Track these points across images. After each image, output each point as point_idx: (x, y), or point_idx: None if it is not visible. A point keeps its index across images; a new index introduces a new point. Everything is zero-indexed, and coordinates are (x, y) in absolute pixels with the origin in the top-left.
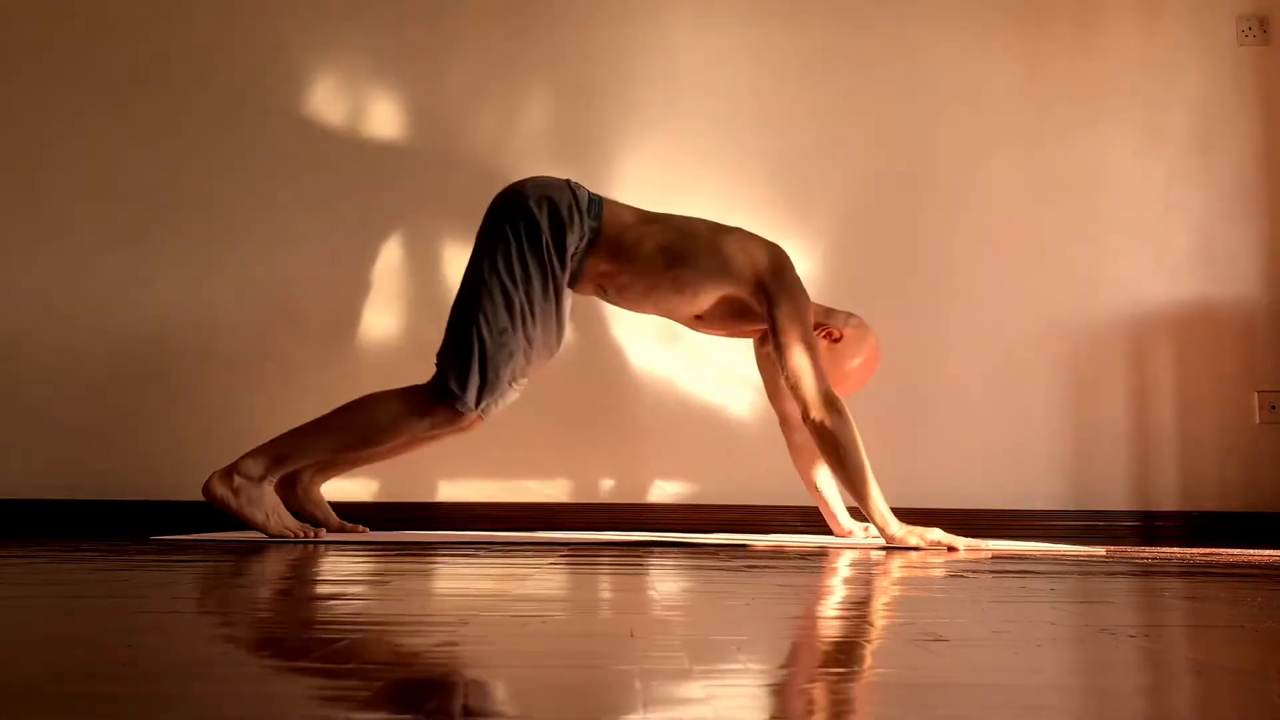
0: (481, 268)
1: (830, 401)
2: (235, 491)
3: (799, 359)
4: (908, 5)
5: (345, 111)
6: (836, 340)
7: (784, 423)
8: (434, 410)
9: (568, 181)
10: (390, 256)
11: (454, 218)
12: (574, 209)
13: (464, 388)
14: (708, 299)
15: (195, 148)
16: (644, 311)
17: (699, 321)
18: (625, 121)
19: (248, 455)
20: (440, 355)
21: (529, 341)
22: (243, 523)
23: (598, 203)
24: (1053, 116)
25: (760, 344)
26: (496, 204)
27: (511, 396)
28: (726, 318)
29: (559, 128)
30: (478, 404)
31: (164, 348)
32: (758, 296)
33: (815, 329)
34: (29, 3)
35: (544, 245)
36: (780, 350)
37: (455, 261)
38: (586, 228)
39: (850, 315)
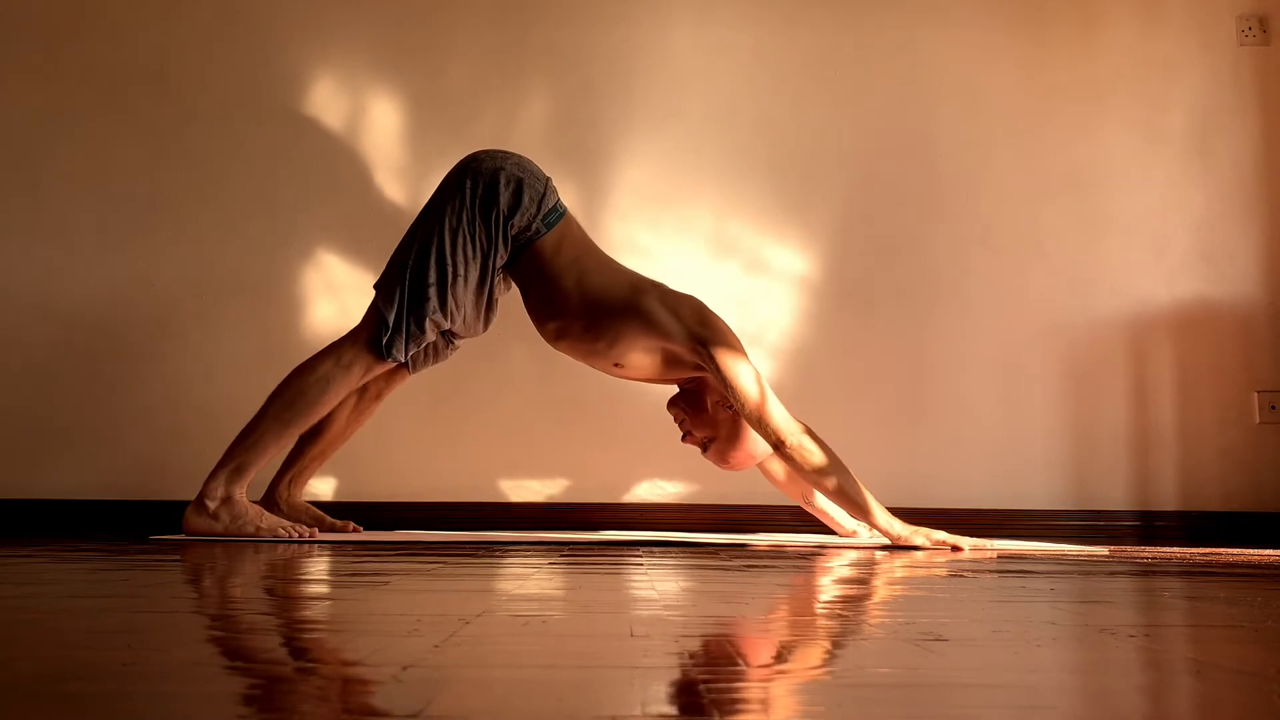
0: (428, 219)
1: (798, 425)
2: (215, 517)
3: (755, 394)
4: (908, 5)
5: (344, 111)
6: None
7: (762, 464)
8: (358, 357)
9: (548, 179)
10: (388, 257)
11: None
12: (536, 201)
13: (388, 333)
14: (626, 351)
15: (195, 148)
16: (566, 353)
17: (618, 369)
18: (625, 121)
19: (208, 480)
20: (374, 299)
21: (456, 303)
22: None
23: (559, 214)
24: (1053, 116)
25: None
26: (469, 162)
27: (447, 355)
28: (652, 368)
29: (559, 128)
30: (405, 352)
31: (164, 347)
32: (693, 349)
33: (719, 403)
34: (30, 3)
35: (494, 217)
36: (735, 391)
37: None
38: (534, 225)
39: None
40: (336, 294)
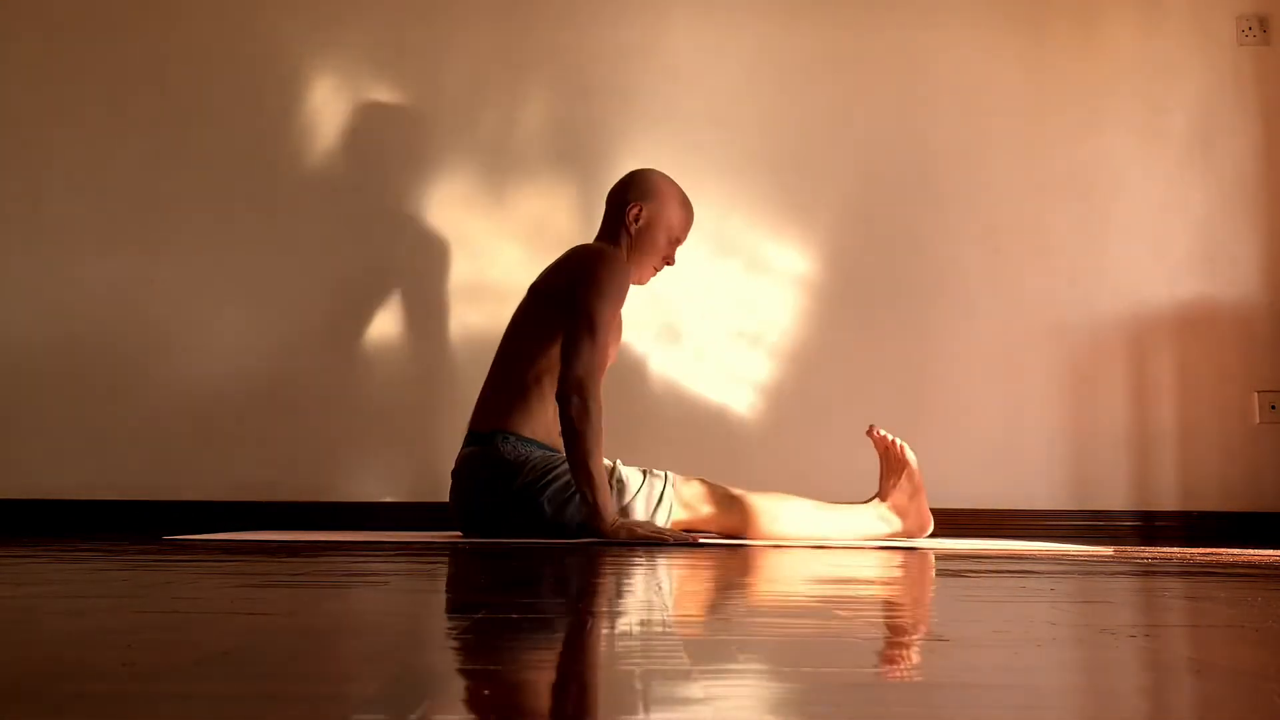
0: None
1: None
2: None
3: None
4: (908, 5)
5: (344, 111)
6: (639, 218)
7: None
8: None
9: None
10: (389, 256)
11: (452, 217)
12: None
13: None
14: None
15: (195, 148)
16: None
17: None
18: (625, 121)
19: None
20: None
21: None
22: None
23: None
24: (1053, 116)
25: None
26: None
27: None
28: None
29: (559, 127)
30: None
31: (164, 347)
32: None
33: (624, 227)
34: (30, 3)
35: None
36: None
37: (451, 259)
38: None
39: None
40: (337, 294)
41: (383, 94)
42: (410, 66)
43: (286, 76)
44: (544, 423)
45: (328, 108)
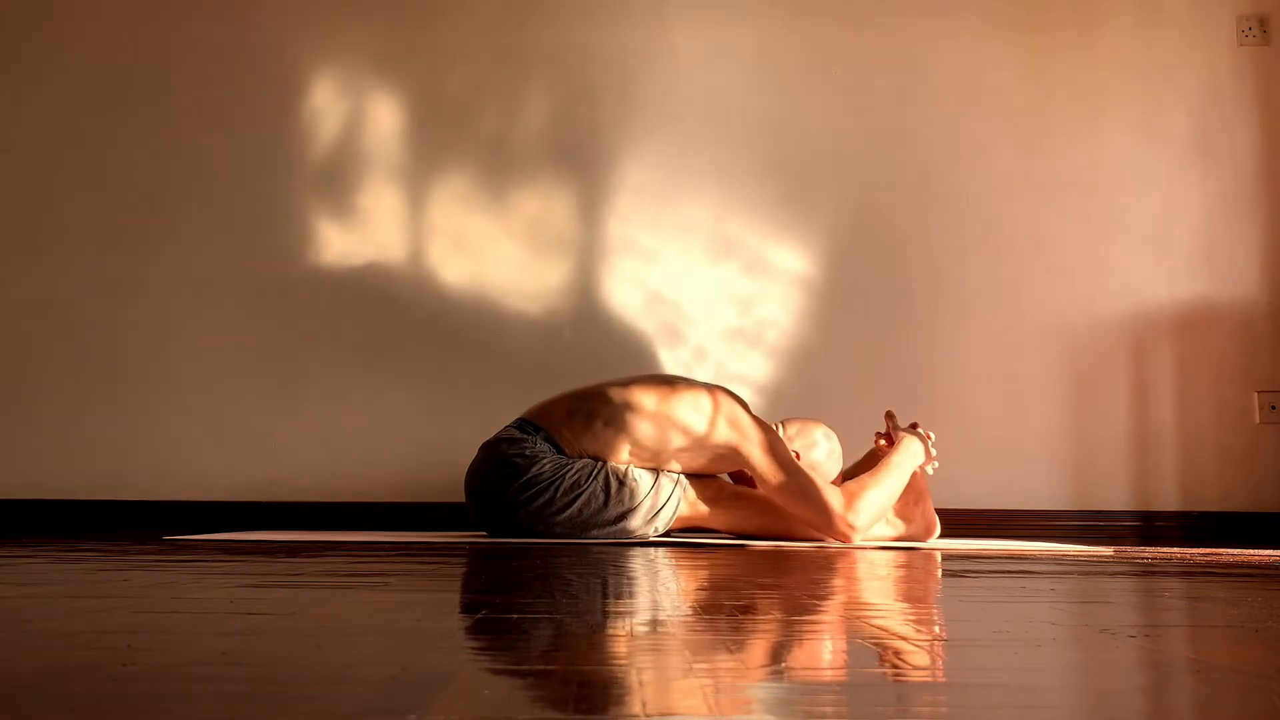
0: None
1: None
2: None
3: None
4: (908, 5)
5: (344, 111)
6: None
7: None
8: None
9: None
10: (390, 256)
11: (451, 217)
12: None
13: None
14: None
15: (195, 148)
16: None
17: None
18: (625, 121)
19: None
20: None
21: None
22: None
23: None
24: (1053, 116)
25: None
26: None
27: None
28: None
29: (559, 128)
30: None
31: (165, 347)
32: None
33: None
34: (30, 3)
35: None
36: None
37: (450, 260)
38: None
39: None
40: (337, 293)
41: (383, 95)
42: (410, 67)
43: (287, 77)
44: (581, 447)
45: (328, 107)
